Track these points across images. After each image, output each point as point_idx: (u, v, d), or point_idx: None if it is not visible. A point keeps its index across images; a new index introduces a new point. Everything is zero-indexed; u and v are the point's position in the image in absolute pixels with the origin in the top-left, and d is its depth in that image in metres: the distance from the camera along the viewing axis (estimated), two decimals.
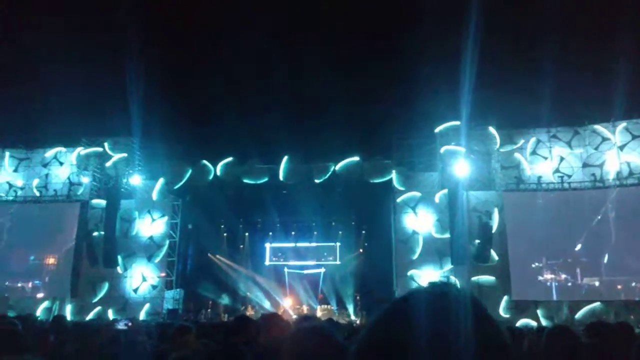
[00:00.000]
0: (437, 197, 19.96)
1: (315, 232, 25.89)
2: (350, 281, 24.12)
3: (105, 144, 21.95)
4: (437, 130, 20.43)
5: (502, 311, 18.38)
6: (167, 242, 21.39)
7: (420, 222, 20.03)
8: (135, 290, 20.78)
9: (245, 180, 21.23)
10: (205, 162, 21.55)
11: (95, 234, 20.85)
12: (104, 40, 23.33)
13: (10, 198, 22.19)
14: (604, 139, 19.57)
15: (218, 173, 21.36)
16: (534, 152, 20.14)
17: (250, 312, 22.24)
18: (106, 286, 20.73)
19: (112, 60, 22.60)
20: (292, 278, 26.20)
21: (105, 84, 22.83)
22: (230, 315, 21.19)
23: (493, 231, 19.04)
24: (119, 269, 20.82)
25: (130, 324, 10.00)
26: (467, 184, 19.53)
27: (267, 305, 24.07)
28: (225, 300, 24.48)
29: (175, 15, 25.75)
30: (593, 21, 21.42)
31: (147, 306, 20.42)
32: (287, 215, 24.86)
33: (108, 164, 21.86)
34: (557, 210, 18.94)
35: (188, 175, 21.49)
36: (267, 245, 27.06)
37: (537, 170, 19.93)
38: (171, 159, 21.94)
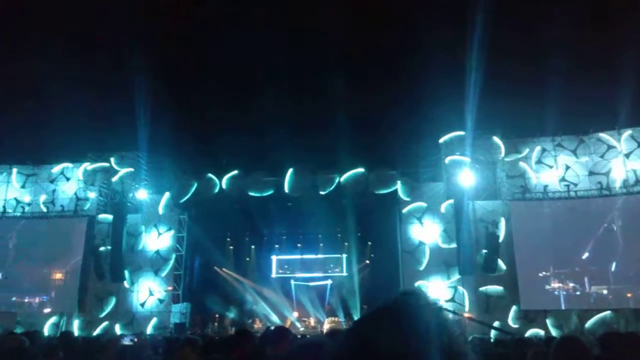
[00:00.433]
0: (443, 207, 19.90)
1: (321, 244, 25.87)
2: (357, 293, 24.02)
3: (112, 159, 22.07)
4: (441, 140, 20.43)
5: (511, 321, 18.23)
6: (174, 255, 21.40)
7: (426, 232, 19.96)
8: (143, 305, 20.77)
9: (251, 193, 21.26)
10: (210, 175, 21.63)
11: (102, 248, 20.90)
12: (110, 56, 23.60)
13: (18, 214, 22.30)
14: (610, 147, 19.50)
15: (223, 186, 21.42)
16: (539, 161, 20.08)
17: (258, 326, 22.19)
18: (113, 301, 20.74)
19: (118, 77, 22.82)
20: (299, 290, 26.14)
21: (111, 100, 23.08)
22: (237, 328, 21.13)
23: (500, 241, 18.95)
24: (126, 284, 20.84)
25: (136, 339, 9.99)
26: (472, 193, 19.47)
27: (274, 318, 24.00)
28: (232, 313, 24.43)
29: (180, 31, 26.00)
30: (597, 30, 21.46)
31: (154, 320, 20.39)
32: (293, 228, 24.88)
33: (114, 178, 21.97)
34: (564, 219, 18.85)
35: (194, 189, 21.57)
36: (274, 258, 27.05)
37: (543, 179, 19.85)
38: (177, 173, 22.06)
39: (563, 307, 18.40)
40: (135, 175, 22.02)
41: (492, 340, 14.11)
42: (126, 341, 8.76)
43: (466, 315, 17.82)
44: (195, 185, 21.60)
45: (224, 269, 25.18)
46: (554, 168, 19.88)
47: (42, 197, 22.44)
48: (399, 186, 20.46)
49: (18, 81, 23.04)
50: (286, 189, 21.02)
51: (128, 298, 20.86)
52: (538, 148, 20.11)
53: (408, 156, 20.71)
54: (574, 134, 20.02)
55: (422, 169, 20.62)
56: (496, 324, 17.57)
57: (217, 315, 22.93)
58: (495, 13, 17.20)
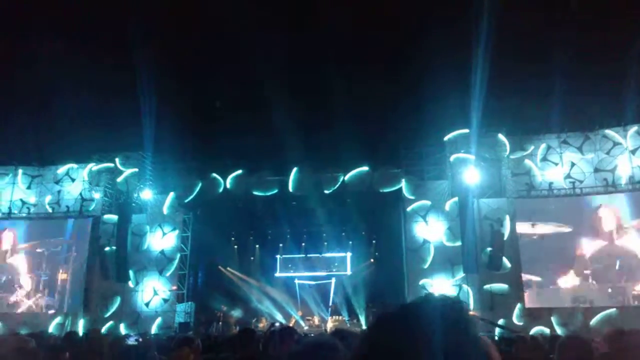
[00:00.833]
0: (448, 206, 19.86)
1: (325, 243, 25.86)
2: (361, 291, 24.02)
3: (117, 160, 22.14)
4: (446, 138, 20.38)
5: (516, 319, 18.17)
6: (178, 255, 21.45)
7: (431, 230, 19.93)
8: (147, 304, 20.84)
9: (255, 192, 21.29)
10: (215, 175, 21.67)
11: (107, 248, 20.97)
12: (115, 56, 23.64)
13: (24, 214, 22.41)
14: (615, 144, 19.39)
15: (228, 186, 21.45)
16: (544, 159, 20.01)
17: (262, 324, 22.21)
18: (118, 300, 20.82)
19: (123, 77, 22.84)
20: (303, 289, 26.18)
21: (116, 100, 23.10)
22: (241, 327, 21.14)
23: (505, 238, 18.89)
24: (131, 283, 20.91)
25: (140, 339, 10.01)
26: (477, 191, 19.41)
27: (278, 317, 24.02)
28: (236, 312, 24.47)
29: (185, 30, 26.02)
30: (602, 26, 21.32)
31: (158, 320, 20.45)
32: (297, 227, 24.88)
33: (119, 179, 22.04)
34: (569, 216, 18.80)
35: (198, 188, 21.61)
36: (278, 257, 27.06)
37: (548, 176, 19.78)
38: (181, 172, 22.10)
39: (568, 305, 18.34)
40: (140, 176, 22.09)
41: (496, 338, 14.08)
42: (131, 341, 8.77)
43: (471, 313, 17.77)
44: (200, 185, 21.64)
45: (228, 269, 25.23)
46: (559, 165, 19.79)
47: (48, 198, 22.53)
48: (403, 184, 20.43)
49: (23, 82, 23.13)
50: (290, 188, 21.04)
51: (133, 298, 20.94)
52: (543, 145, 20.03)
53: (412, 154, 20.67)
54: (580, 131, 19.92)
55: (427, 167, 20.58)
56: (501, 321, 17.53)
57: (221, 315, 22.96)
58: (500, 10, 17.10)
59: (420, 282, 19.32)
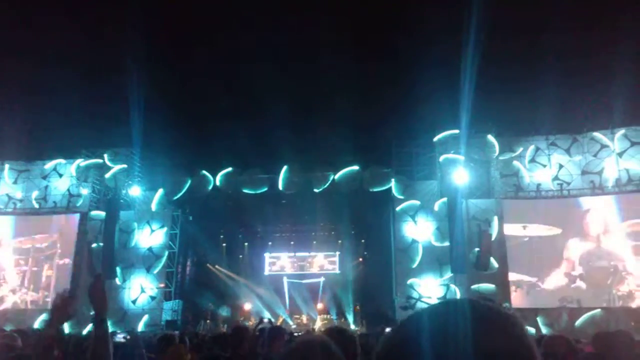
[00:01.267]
0: (437, 206, 19.95)
1: (314, 242, 25.88)
2: (350, 290, 24.06)
3: (105, 156, 21.93)
4: (436, 138, 20.45)
5: None
6: (166, 252, 21.30)
7: (419, 230, 20.00)
8: (134, 302, 20.68)
9: (245, 190, 21.21)
10: (204, 172, 21.55)
11: (94, 245, 20.78)
12: (104, 53, 23.45)
13: (10, 210, 22.16)
14: (603, 146, 19.59)
15: (217, 183, 21.36)
16: (532, 160, 20.16)
17: (250, 323, 22.17)
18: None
19: (112, 73, 22.69)
20: (292, 288, 26.16)
21: (105, 96, 22.94)
22: (229, 326, 21.09)
23: (492, 239, 19.01)
24: (118, 280, 20.73)
25: (128, 337, 9.94)
26: (466, 192, 19.52)
27: (266, 315, 23.99)
28: (224, 311, 24.40)
29: (174, 27, 25.87)
30: (591, 29, 21.55)
31: (145, 317, 20.30)
32: (286, 225, 24.87)
33: (107, 175, 21.83)
34: (557, 218, 18.97)
35: (187, 185, 21.48)
36: (267, 255, 27.04)
37: (536, 177, 19.94)
38: (170, 169, 21.95)
39: (555, 306, 18.51)
40: (128, 172, 21.90)
41: None
42: (118, 338, 8.72)
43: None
44: (189, 182, 21.52)
45: (216, 266, 25.14)
46: (547, 167, 19.96)
47: (35, 194, 22.28)
48: (393, 184, 20.48)
49: (11, 77, 22.87)
50: (280, 187, 21.00)
51: (119, 295, 20.74)
52: (532, 147, 20.19)
53: (402, 154, 20.72)
54: (568, 133, 20.10)
55: (416, 167, 20.64)
56: None
57: (209, 313, 22.89)
58: (490, 12, 17.22)
59: (409, 282, 19.40)
